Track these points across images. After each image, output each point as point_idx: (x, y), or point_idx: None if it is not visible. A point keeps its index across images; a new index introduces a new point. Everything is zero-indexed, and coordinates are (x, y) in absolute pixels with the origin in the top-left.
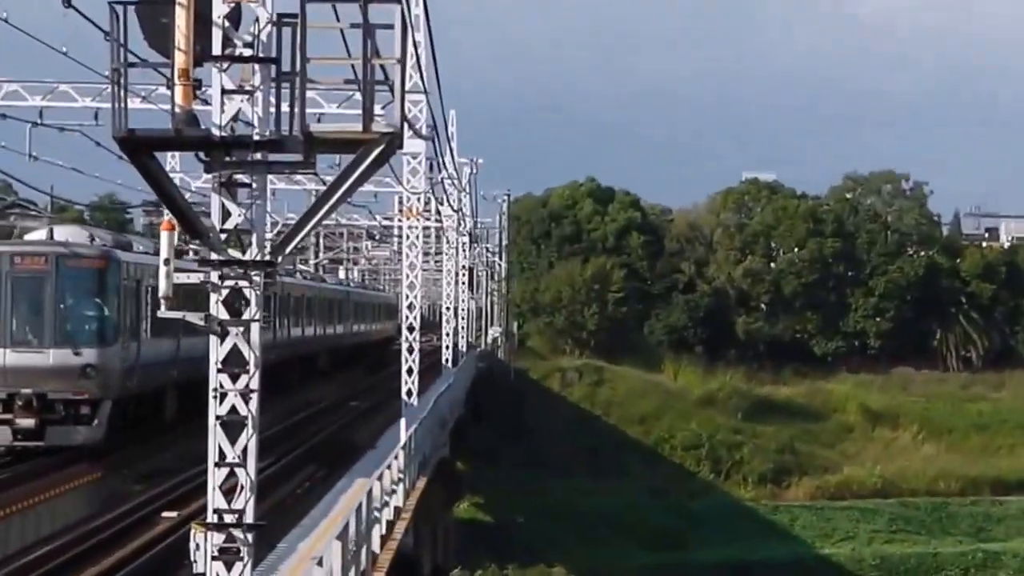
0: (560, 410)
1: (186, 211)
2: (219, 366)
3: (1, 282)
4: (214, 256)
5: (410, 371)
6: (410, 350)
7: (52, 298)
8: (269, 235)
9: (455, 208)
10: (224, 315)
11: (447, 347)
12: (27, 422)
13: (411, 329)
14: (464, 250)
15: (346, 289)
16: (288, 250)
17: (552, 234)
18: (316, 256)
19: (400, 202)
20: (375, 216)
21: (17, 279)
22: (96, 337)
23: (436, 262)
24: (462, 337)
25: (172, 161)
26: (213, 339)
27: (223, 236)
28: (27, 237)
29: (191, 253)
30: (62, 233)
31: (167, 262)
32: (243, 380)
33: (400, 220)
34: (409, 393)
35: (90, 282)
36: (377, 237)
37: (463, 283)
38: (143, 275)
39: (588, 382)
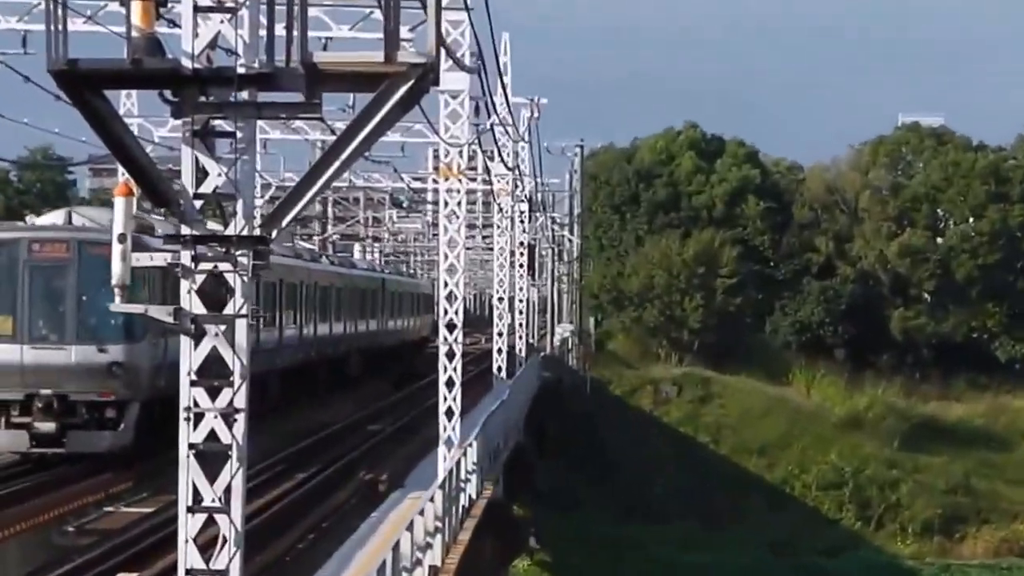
0: (652, 436)
1: (147, 170)
2: (192, 377)
3: (18, 271)
4: (186, 231)
5: (450, 384)
6: (450, 355)
7: (74, 289)
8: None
9: (509, 165)
10: (199, 309)
11: (500, 351)
12: (47, 426)
13: (451, 327)
14: (522, 221)
15: (381, 276)
16: (286, 222)
17: (641, 199)
18: (323, 230)
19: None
20: (402, 176)
21: (35, 268)
22: (123, 332)
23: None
24: (520, 338)
25: (128, 102)
26: (185, 342)
27: (198, 203)
28: (40, 220)
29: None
30: (82, 216)
31: (122, 238)
32: (225, 396)
33: (436, 181)
34: (449, 414)
35: None
36: (405, 204)
37: (521, 265)
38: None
39: (690, 398)
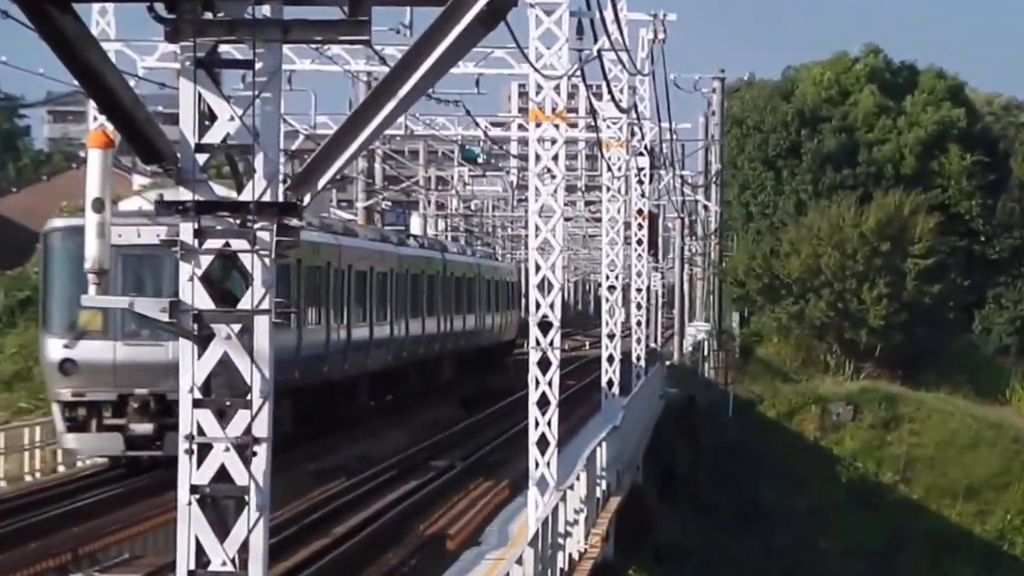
0: (818, 474)
1: (132, 112)
2: (195, 395)
3: (114, 259)
4: (185, 195)
5: (544, 404)
6: (544, 365)
7: (171, 279)
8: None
9: (624, 105)
10: (204, 302)
11: (611, 359)
12: (143, 428)
13: (545, 327)
14: (640, 181)
15: (476, 261)
16: (322, 183)
17: (803, 151)
18: (368, 194)
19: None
20: (476, 121)
21: (128, 257)
22: None
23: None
24: (638, 341)
25: (103, 22)
26: (186, 348)
27: (201, 158)
28: (123, 205)
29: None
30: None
31: (99, 205)
32: (239, 421)
33: (523, 127)
34: (542, 444)
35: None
36: (480, 159)
37: (639, 242)
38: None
39: (871, 422)
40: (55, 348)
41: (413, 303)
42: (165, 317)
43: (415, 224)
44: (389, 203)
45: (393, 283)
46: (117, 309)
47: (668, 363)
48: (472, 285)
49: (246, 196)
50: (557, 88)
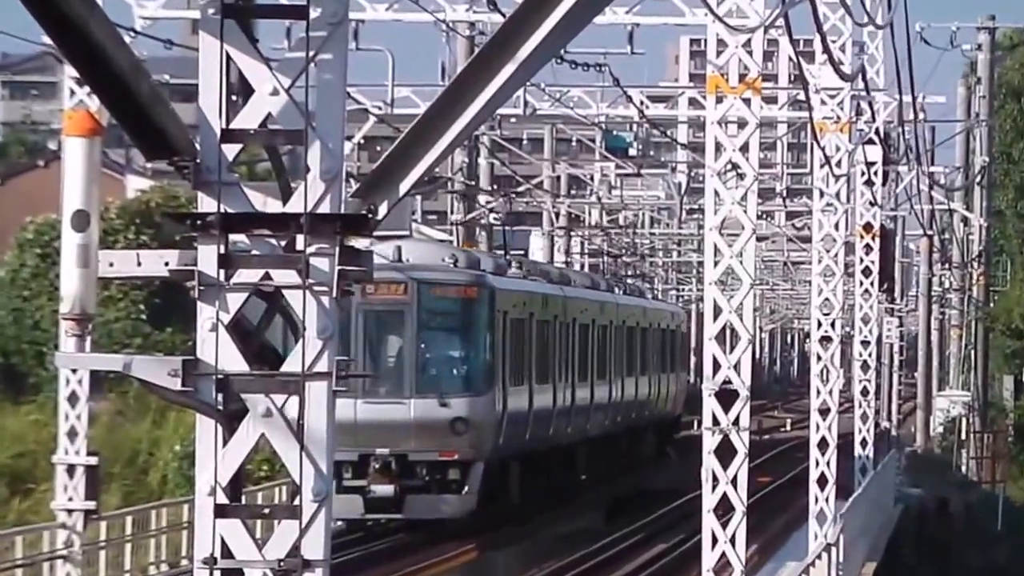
0: None
1: (129, 83)
2: (219, 498)
3: (350, 315)
4: (207, 205)
5: (725, 511)
6: (725, 454)
7: (413, 336)
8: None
9: (846, 71)
10: (233, 362)
11: (822, 445)
12: (384, 489)
13: (728, 397)
14: (869, 182)
15: (642, 304)
16: (405, 188)
17: None
18: (470, 203)
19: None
20: (627, 94)
21: (370, 312)
22: (467, 384)
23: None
24: (863, 417)
25: None
26: (205, 427)
27: (230, 151)
28: None
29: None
30: (416, 251)
31: (81, 222)
32: (282, 537)
33: (697, 101)
34: (724, 570)
35: (461, 315)
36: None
37: (866, 273)
38: (522, 306)
39: None
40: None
41: (628, 359)
42: (175, 384)
43: (536, 246)
44: (500, 216)
45: (612, 337)
46: (360, 365)
47: (908, 450)
48: (643, 337)
49: (295, 206)
50: (749, 45)
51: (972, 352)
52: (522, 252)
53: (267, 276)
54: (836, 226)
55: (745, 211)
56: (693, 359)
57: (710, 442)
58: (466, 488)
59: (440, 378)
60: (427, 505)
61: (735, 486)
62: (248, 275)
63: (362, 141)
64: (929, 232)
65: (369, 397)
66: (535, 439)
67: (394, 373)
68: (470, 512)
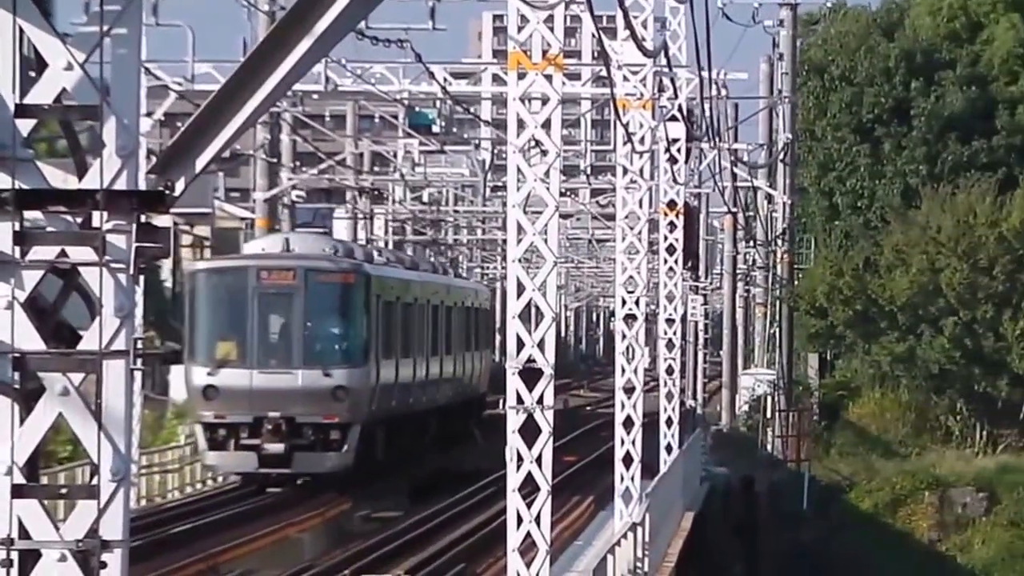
0: None
1: None
2: (16, 478)
3: (247, 298)
4: (3, 183)
5: (529, 491)
6: (529, 433)
7: (301, 315)
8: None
9: (648, 47)
10: (29, 341)
11: (627, 424)
12: (275, 447)
13: (532, 376)
14: (673, 159)
15: (446, 282)
16: (203, 164)
17: (913, 112)
18: (271, 179)
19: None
20: (430, 70)
21: (264, 295)
22: (347, 357)
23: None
24: (668, 395)
25: None
26: (2, 405)
27: (24, 127)
28: (252, 247)
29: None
30: (301, 243)
31: None
32: (83, 515)
33: (499, 78)
34: (529, 551)
35: (341, 298)
36: (436, 127)
37: (670, 250)
38: (389, 290)
39: (1013, 517)
40: (199, 375)
41: (464, 337)
42: None
43: (340, 225)
44: (303, 194)
45: (451, 316)
46: (253, 340)
47: (714, 429)
48: (449, 315)
49: (91, 182)
50: (550, 20)
51: (777, 330)
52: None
53: (63, 253)
54: (640, 204)
55: (548, 188)
56: (498, 338)
57: (514, 420)
58: (345, 447)
59: (324, 352)
60: (312, 461)
61: (540, 465)
62: (44, 252)
63: (163, 118)
64: (733, 210)
65: (262, 368)
66: (399, 406)
67: (284, 347)
68: (347, 468)
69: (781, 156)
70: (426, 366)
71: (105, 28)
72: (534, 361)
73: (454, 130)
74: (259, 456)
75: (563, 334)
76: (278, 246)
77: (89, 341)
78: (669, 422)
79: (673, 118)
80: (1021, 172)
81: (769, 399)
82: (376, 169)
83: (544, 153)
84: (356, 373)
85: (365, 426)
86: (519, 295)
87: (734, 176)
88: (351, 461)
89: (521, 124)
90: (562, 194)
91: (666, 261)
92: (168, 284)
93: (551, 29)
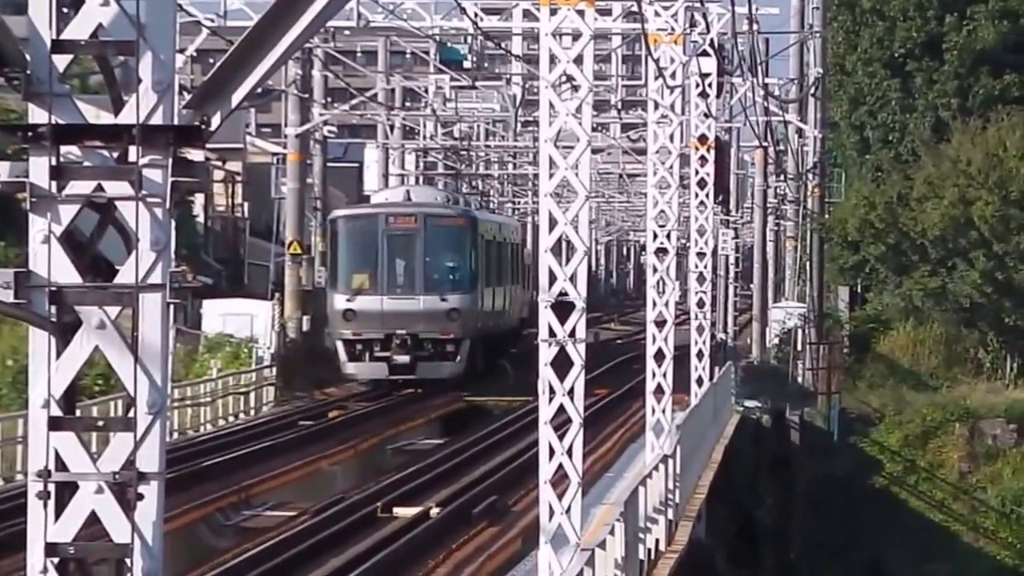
0: (966, 527)
1: None
2: (53, 410)
3: (378, 239)
4: (38, 116)
5: (562, 423)
6: (561, 366)
7: (422, 253)
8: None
9: None
10: (66, 274)
11: (659, 357)
12: (402, 358)
13: (564, 309)
14: (704, 94)
15: (500, 220)
16: (238, 100)
17: (946, 46)
18: (304, 114)
19: None
20: (461, 6)
21: (391, 236)
22: (460, 285)
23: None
24: (699, 329)
25: None
26: (39, 340)
27: (61, 62)
28: (379, 197)
29: None
30: (420, 194)
31: None
32: (117, 450)
33: (530, 13)
34: (561, 482)
35: (454, 238)
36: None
37: (701, 184)
38: (488, 231)
39: None
40: (340, 301)
41: (510, 270)
42: (8, 296)
43: (371, 158)
44: (333, 129)
45: (505, 251)
46: (383, 273)
47: (745, 362)
48: (505, 250)
49: (127, 118)
50: None
51: (808, 264)
52: (357, 165)
53: (99, 188)
54: (671, 138)
55: (580, 123)
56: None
57: (547, 354)
58: (458, 357)
59: (440, 281)
60: (432, 369)
61: (572, 398)
62: (80, 187)
63: (195, 54)
64: (764, 144)
65: (391, 294)
66: (492, 326)
67: (408, 278)
68: (459, 375)
69: (812, 91)
70: (504, 294)
71: None
72: (566, 294)
73: (485, 65)
74: (389, 365)
75: (594, 268)
76: (400, 196)
77: (125, 275)
78: (700, 355)
79: (704, 53)
80: None
81: (799, 332)
82: (407, 105)
83: (576, 88)
84: (466, 298)
85: (473, 341)
86: (551, 229)
87: (765, 110)
88: (463, 369)
89: (553, 59)
90: (593, 129)
91: (697, 195)
92: (200, 219)
93: None
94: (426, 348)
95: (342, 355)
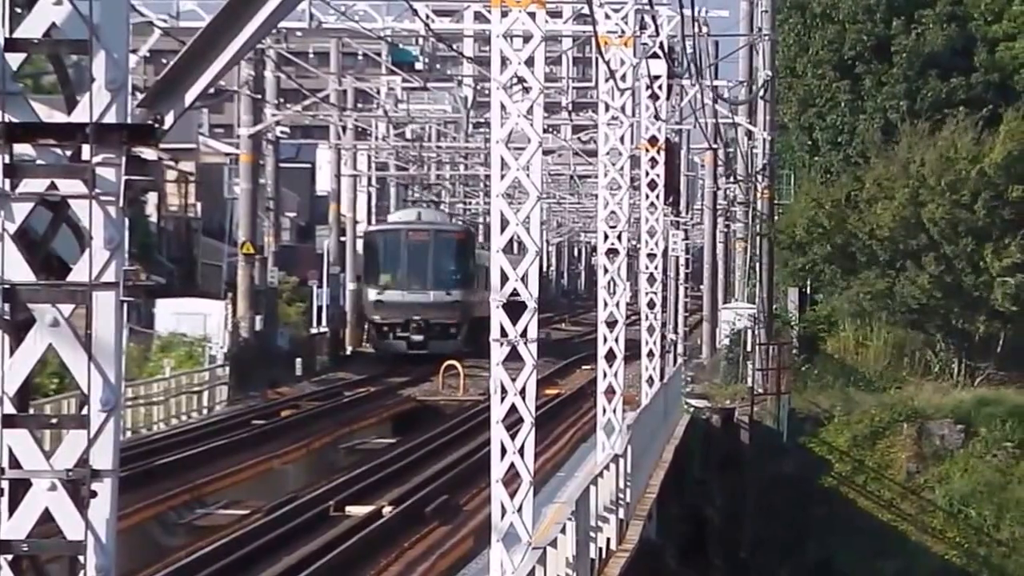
0: (914, 525)
1: None
2: (7, 408)
3: (400, 247)
4: None
5: (513, 422)
6: (511, 364)
7: (433, 258)
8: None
9: None
10: (19, 272)
11: (609, 357)
12: (417, 338)
13: (515, 310)
14: (655, 96)
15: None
16: (191, 99)
17: (894, 49)
18: (256, 115)
19: None
20: (412, 7)
21: (410, 245)
22: (459, 282)
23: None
24: (650, 329)
25: None
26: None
27: (14, 60)
28: (393, 217)
29: None
30: (429, 215)
31: None
32: (71, 447)
33: (482, 16)
34: (512, 481)
35: (457, 248)
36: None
37: (651, 186)
38: (477, 242)
39: (992, 448)
40: (372, 294)
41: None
42: None
43: (323, 159)
44: (286, 130)
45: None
46: (404, 273)
47: (695, 363)
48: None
49: (80, 116)
50: None
51: (757, 266)
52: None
53: (53, 186)
54: (621, 140)
55: (531, 124)
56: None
57: (498, 353)
58: (459, 337)
59: (446, 280)
60: (440, 346)
61: (523, 397)
62: (34, 185)
63: (148, 55)
64: (714, 146)
65: (410, 290)
66: (480, 314)
67: (422, 277)
68: (460, 350)
69: (761, 93)
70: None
71: None
72: (518, 294)
73: (437, 67)
74: (407, 343)
75: (545, 269)
76: (413, 216)
77: (79, 273)
78: (651, 355)
79: (654, 55)
80: (1002, 110)
81: (749, 333)
82: (360, 106)
83: (527, 90)
84: (465, 292)
85: (470, 325)
86: (503, 230)
87: (715, 112)
88: (462, 346)
89: (504, 61)
90: (545, 130)
91: (647, 196)
92: (153, 219)
93: None
94: (435, 330)
95: (373, 334)
